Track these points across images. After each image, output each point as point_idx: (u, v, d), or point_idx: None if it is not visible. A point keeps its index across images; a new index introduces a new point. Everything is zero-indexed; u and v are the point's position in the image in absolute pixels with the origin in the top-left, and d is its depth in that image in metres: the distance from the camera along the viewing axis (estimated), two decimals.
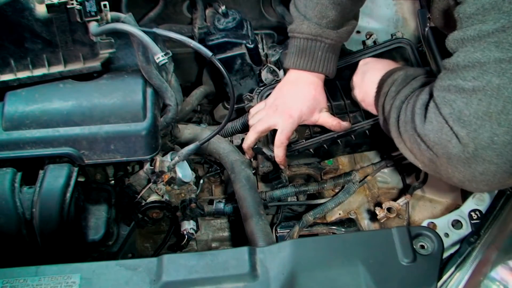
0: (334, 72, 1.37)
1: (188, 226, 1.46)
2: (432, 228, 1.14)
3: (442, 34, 1.36)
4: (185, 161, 1.40)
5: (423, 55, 1.43)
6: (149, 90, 1.30)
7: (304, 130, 1.44)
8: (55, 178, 1.22)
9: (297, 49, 1.33)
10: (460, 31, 0.89)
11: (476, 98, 0.86)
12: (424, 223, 1.21)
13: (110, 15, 1.23)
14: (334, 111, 1.43)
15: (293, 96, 1.34)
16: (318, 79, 1.35)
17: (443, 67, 0.95)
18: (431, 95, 0.97)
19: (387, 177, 1.60)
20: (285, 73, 1.65)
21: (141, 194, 1.43)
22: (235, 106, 1.55)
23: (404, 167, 1.54)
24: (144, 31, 1.18)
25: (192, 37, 1.67)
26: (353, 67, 1.39)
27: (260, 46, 1.68)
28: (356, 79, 1.34)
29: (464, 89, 0.88)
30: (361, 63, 1.36)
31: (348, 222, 1.48)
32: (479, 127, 0.87)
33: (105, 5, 1.22)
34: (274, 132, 1.36)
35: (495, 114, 0.85)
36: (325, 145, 1.36)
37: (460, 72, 0.89)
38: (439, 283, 1.02)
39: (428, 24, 1.38)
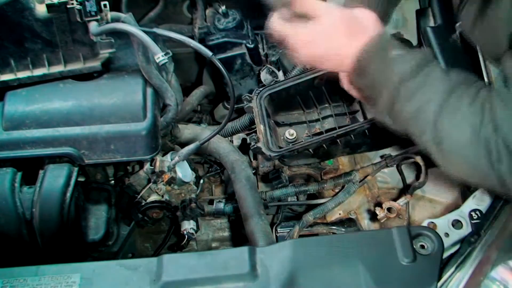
0: None
1: (188, 226, 1.46)
2: (432, 228, 1.14)
3: (442, 34, 1.37)
4: (185, 161, 1.40)
5: None
6: (149, 90, 1.30)
7: (304, 130, 1.44)
8: (55, 178, 1.22)
9: None
10: None
11: None
12: (424, 223, 1.21)
13: (110, 15, 1.23)
14: (333, 111, 1.43)
15: None
16: None
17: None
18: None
19: (387, 177, 1.60)
20: (284, 74, 1.66)
21: (141, 194, 1.43)
22: (235, 106, 1.55)
23: (404, 167, 1.54)
24: (144, 31, 1.18)
25: (192, 37, 1.67)
26: None
27: (260, 46, 1.68)
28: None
29: None
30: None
31: (348, 222, 1.48)
32: None
33: (105, 5, 1.22)
34: (275, 133, 1.35)
35: None
36: (324, 145, 1.36)
37: None
38: (439, 283, 1.02)
39: (428, 24, 1.38)
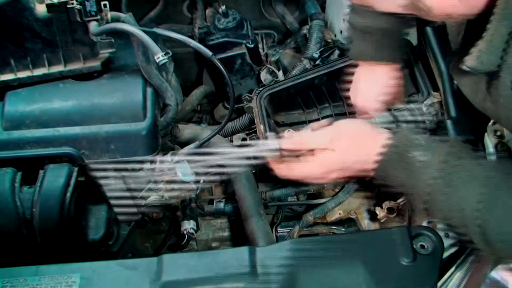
0: None
1: (188, 226, 1.46)
2: (432, 228, 1.14)
3: (442, 34, 1.37)
4: (185, 161, 1.40)
5: (423, 55, 1.43)
6: (149, 90, 1.30)
7: None
8: (55, 178, 1.22)
9: None
10: None
11: None
12: (424, 223, 1.21)
13: (110, 15, 1.23)
14: (333, 111, 1.43)
15: None
16: None
17: None
18: None
19: None
20: (284, 73, 1.66)
21: (141, 194, 1.43)
22: (235, 106, 1.55)
23: None
24: (144, 31, 1.18)
25: (192, 37, 1.67)
26: (353, 67, 1.38)
27: (260, 46, 1.68)
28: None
29: None
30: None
31: (348, 222, 1.48)
32: None
33: (105, 5, 1.22)
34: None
35: None
36: None
37: None
38: (439, 283, 1.02)
39: (428, 24, 1.38)
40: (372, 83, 1.21)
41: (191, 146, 1.35)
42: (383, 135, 1.02)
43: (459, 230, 0.95)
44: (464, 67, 0.89)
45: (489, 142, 1.23)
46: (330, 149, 1.05)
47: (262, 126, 1.36)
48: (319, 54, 1.61)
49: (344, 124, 1.10)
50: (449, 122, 1.26)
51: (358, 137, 1.05)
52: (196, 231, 1.48)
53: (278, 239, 1.44)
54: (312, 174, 1.09)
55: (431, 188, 0.93)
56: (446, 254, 1.07)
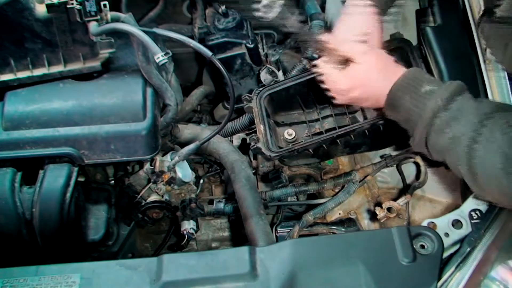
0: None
1: (188, 226, 1.47)
2: (432, 228, 1.14)
3: (442, 34, 1.37)
4: (185, 161, 1.40)
5: (424, 55, 1.43)
6: (149, 90, 1.30)
7: (303, 130, 1.44)
8: (55, 178, 1.22)
9: None
10: None
11: None
12: (424, 223, 1.21)
13: (110, 15, 1.23)
14: (333, 111, 1.43)
15: None
16: None
17: None
18: None
19: (387, 177, 1.60)
20: (284, 73, 1.66)
21: (141, 194, 1.43)
22: (235, 106, 1.55)
23: (404, 167, 1.54)
24: (144, 31, 1.18)
25: (192, 37, 1.67)
26: None
27: (260, 46, 1.68)
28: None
29: None
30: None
31: (348, 222, 1.48)
32: None
33: (105, 5, 1.22)
34: (275, 134, 1.36)
35: None
36: (324, 145, 1.36)
37: None
38: (439, 283, 1.02)
39: (428, 24, 1.38)
40: (354, 18, 1.25)
41: (191, 146, 1.35)
42: (402, 68, 1.11)
43: (451, 165, 1.02)
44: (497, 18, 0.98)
45: None
46: (361, 62, 1.12)
47: (262, 126, 1.35)
48: (319, 54, 1.61)
49: (376, 49, 1.17)
50: None
51: (385, 60, 1.13)
52: (196, 231, 1.48)
53: (278, 239, 1.44)
54: (340, 86, 1.15)
55: (434, 114, 1.00)
56: (446, 254, 1.07)
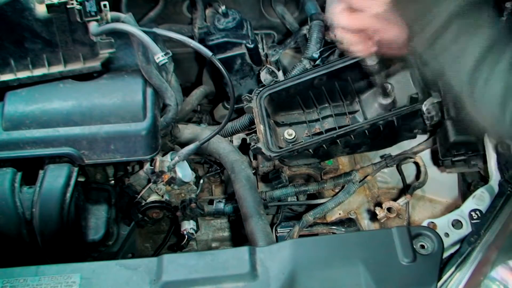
0: None
1: (188, 226, 1.46)
2: (432, 228, 1.14)
3: None
4: (185, 161, 1.40)
5: None
6: (149, 90, 1.30)
7: (303, 130, 1.44)
8: (55, 178, 1.22)
9: None
10: None
11: None
12: (424, 223, 1.21)
13: (110, 15, 1.23)
14: (333, 111, 1.43)
15: None
16: None
17: None
18: None
19: (387, 177, 1.60)
20: (284, 73, 1.66)
21: (141, 194, 1.43)
22: (235, 106, 1.55)
23: (404, 167, 1.54)
24: (144, 31, 1.18)
25: (192, 37, 1.67)
26: (353, 67, 1.38)
27: (260, 46, 1.68)
28: None
29: None
30: None
31: (348, 222, 1.48)
32: None
33: (105, 5, 1.23)
34: (274, 134, 1.35)
35: None
36: (324, 145, 1.36)
37: None
38: (439, 283, 1.02)
39: None
40: None
41: (191, 146, 1.35)
42: None
43: (448, 76, 0.95)
44: None
45: (489, 142, 1.23)
46: None
47: (262, 126, 1.35)
48: (319, 54, 1.61)
49: None
50: (449, 122, 1.26)
51: None
52: (196, 231, 1.48)
53: (278, 239, 1.44)
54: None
55: (452, 15, 0.90)
56: (446, 254, 1.07)
